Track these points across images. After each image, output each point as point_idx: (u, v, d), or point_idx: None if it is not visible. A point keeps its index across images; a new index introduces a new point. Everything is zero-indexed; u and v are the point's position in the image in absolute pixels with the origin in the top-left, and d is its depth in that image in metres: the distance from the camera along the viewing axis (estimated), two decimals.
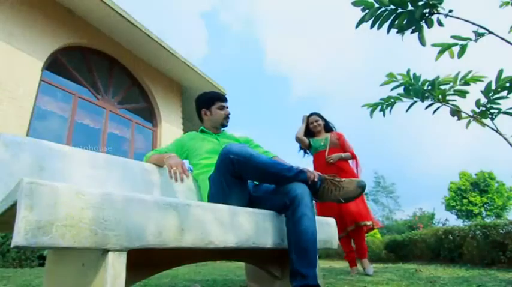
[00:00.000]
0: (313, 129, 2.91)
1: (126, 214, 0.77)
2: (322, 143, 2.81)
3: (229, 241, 1.01)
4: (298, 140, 2.90)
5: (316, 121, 2.91)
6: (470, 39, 1.53)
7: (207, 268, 3.16)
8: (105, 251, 0.74)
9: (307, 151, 2.93)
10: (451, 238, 3.11)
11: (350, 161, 2.77)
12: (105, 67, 5.94)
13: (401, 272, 2.42)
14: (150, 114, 6.68)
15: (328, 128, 2.96)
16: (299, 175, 1.24)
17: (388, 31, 1.56)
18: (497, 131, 1.60)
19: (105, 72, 5.94)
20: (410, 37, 1.54)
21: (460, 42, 1.54)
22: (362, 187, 1.26)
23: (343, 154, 2.71)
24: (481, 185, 16.30)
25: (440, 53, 1.58)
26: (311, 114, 2.99)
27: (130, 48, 6.13)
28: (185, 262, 1.14)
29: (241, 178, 1.26)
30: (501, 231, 2.56)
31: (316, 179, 1.27)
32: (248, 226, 1.10)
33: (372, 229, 2.59)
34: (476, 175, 16.81)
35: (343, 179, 1.29)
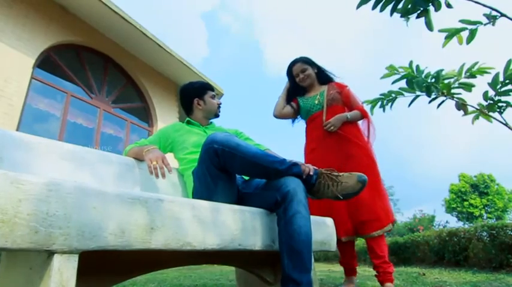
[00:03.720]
0: (301, 82, 1.92)
1: (78, 208, 0.64)
2: (317, 102, 1.86)
3: (209, 242, 0.87)
4: (278, 117, 1.98)
5: (304, 71, 1.90)
6: (481, 23, 1.42)
7: (199, 271, 3.02)
8: (51, 254, 0.61)
9: (298, 117, 2.01)
10: (456, 240, 2.98)
11: (360, 123, 1.87)
12: (99, 66, 5.81)
13: (404, 276, 2.29)
14: (145, 114, 6.55)
15: (324, 77, 1.96)
16: (292, 169, 1.11)
17: (391, 14, 1.45)
18: (506, 124, 1.50)
19: (100, 70, 5.81)
20: (414, 27, 1.42)
21: (469, 26, 1.43)
22: (363, 182, 1.13)
23: (348, 114, 1.79)
24: (481, 187, 16.16)
25: (448, 38, 1.45)
26: (294, 62, 1.93)
27: (126, 46, 6.00)
28: (160, 267, 1.00)
29: (227, 172, 1.13)
30: (509, 232, 2.42)
31: (311, 173, 1.14)
32: (233, 225, 0.97)
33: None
34: (475, 177, 16.66)
35: (341, 174, 1.16)
